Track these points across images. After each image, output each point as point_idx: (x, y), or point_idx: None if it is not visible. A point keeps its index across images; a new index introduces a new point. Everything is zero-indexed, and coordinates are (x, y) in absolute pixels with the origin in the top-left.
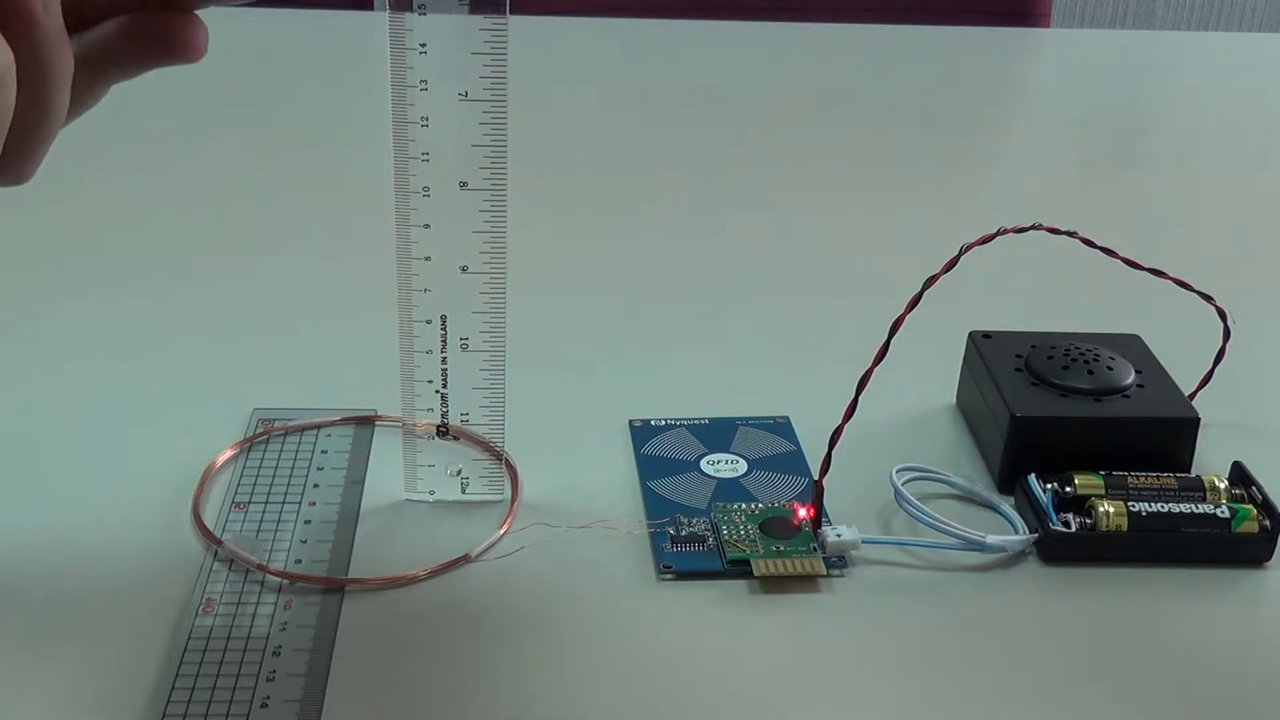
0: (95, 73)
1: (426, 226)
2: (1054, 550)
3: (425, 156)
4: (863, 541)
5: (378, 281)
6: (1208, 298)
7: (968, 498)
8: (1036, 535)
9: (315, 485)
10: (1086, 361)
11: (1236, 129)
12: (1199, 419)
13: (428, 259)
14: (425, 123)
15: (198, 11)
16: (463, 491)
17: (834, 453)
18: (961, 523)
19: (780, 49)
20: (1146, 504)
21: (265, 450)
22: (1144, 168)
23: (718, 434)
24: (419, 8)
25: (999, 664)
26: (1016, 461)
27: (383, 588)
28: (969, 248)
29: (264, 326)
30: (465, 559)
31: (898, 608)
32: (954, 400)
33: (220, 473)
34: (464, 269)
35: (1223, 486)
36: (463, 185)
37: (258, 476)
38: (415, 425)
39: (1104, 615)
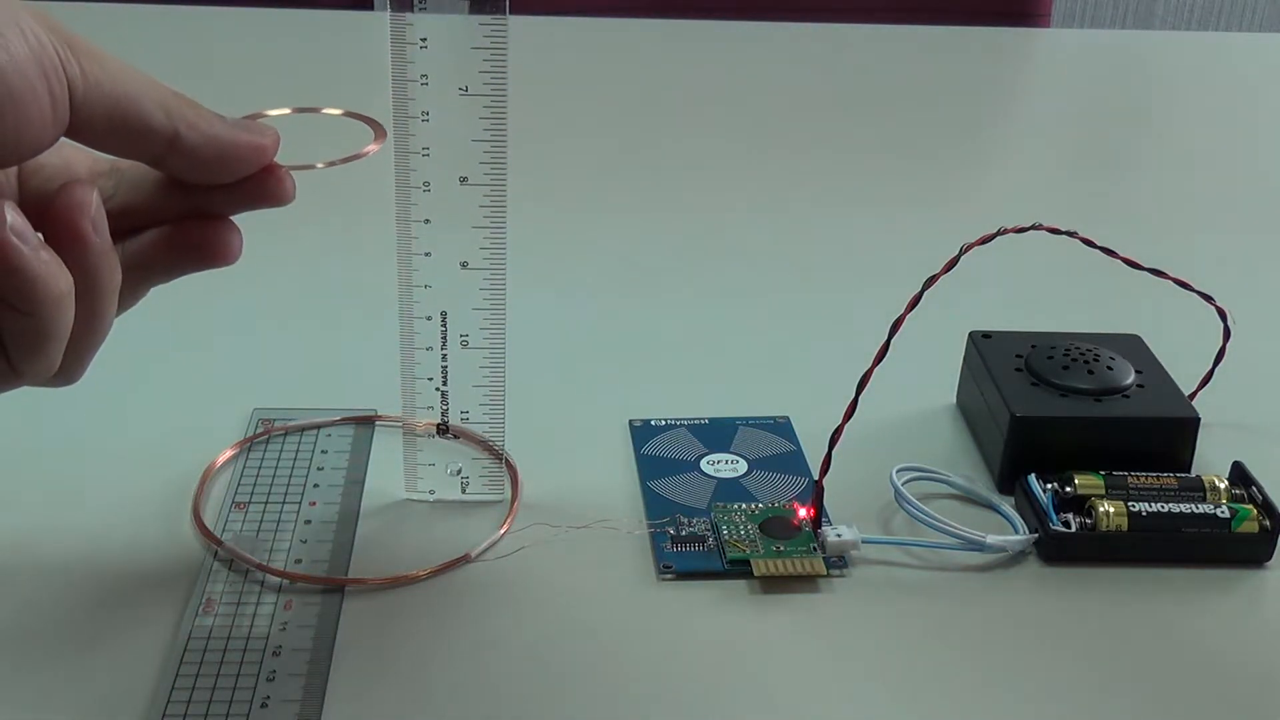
0: (139, 279)
1: (427, 222)
2: (1054, 550)
3: (426, 151)
4: (863, 541)
5: (378, 281)
6: (1208, 298)
7: (968, 498)
8: (1036, 535)
9: (315, 485)
10: (1086, 361)
11: (1236, 129)
12: (1199, 419)
13: (428, 254)
14: (426, 117)
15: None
16: (463, 491)
17: (834, 453)
18: (961, 523)
19: (780, 49)
20: (1146, 504)
21: (265, 450)
22: (1144, 168)
23: (718, 434)
24: (419, 6)
25: (999, 664)
26: (1016, 461)
27: (383, 588)
28: (969, 248)
29: (264, 326)
30: (465, 559)
31: (898, 608)
32: (954, 400)
33: (220, 473)
34: (464, 265)
35: (1223, 486)
36: (463, 180)
37: (258, 476)
38: (415, 424)
39: (1104, 615)
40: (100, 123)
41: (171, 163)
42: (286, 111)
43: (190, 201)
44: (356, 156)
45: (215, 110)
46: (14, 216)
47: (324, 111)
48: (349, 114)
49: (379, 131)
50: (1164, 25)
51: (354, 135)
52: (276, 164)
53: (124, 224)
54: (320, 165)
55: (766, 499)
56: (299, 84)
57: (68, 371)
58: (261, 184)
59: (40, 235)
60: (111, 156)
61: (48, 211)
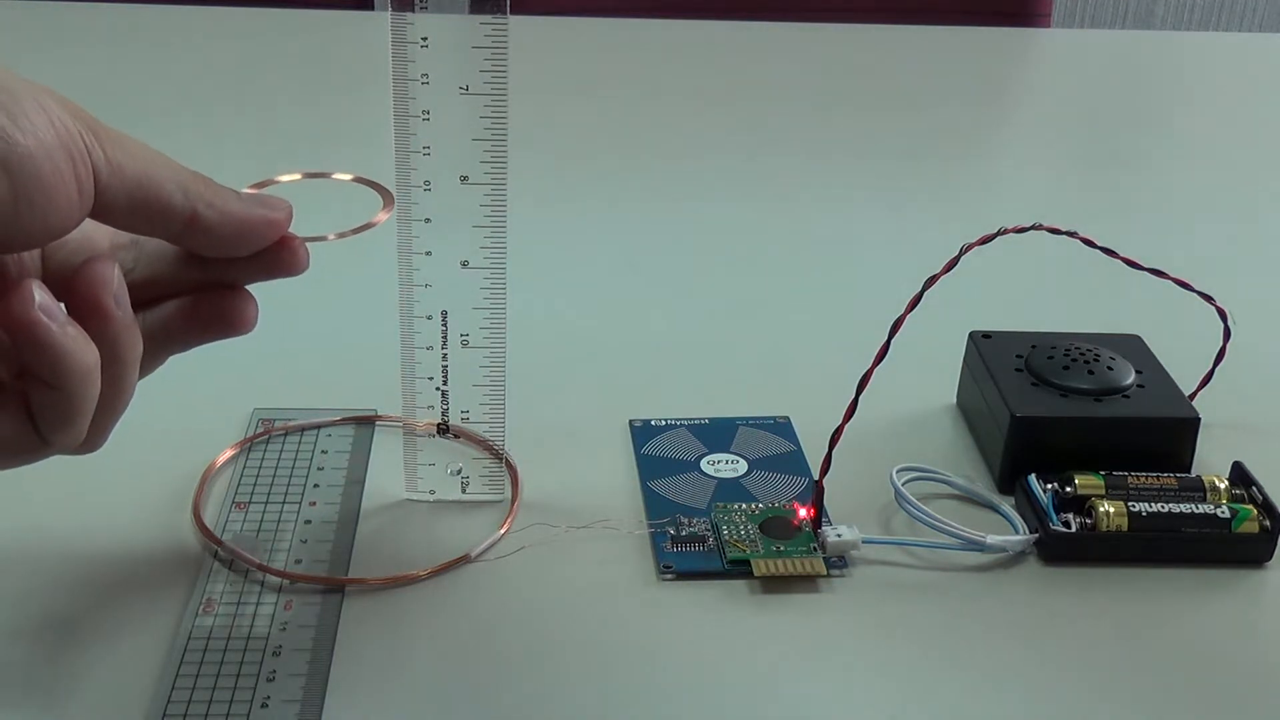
0: (158, 348)
1: (427, 221)
2: (1054, 550)
3: (426, 150)
4: (863, 541)
5: (378, 281)
6: (1208, 298)
7: (968, 498)
8: (1036, 535)
9: (315, 485)
10: (1087, 361)
11: (1236, 129)
12: (1199, 419)
13: (428, 254)
14: (426, 116)
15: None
16: (463, 491)
17: (834, 453)
18: (961, 523)
19: (780, 49)
20: (1147, 504)
21: (265, 450)
22: (1144, 168)
23: (718, 434)
24: (420, 6)
25: (999, 664)
26: (1017, 461)
27: (383, 587)
28: (969, 248)
29: (264, 326)
30: (465, 559)
31: (898, 608)
32: (954, 400)
33: (220, 473)
34: (465, 264)
35: (1223, 486)
36: (464, 179)
37: (258, 476)
38: (415, 424)
39: (1104, 615)
40: (122, 205)
41: (189, 239)
42: (297, 177)
43: (208, 273)
44: (368, 226)
45: (225, 111)
46: (41, 295)
47: (334, 177)
48: (358, 179)
49: (388, 198)
50: (1164, 25)
51: (362, 197)
52: (291, 235)
53: (144, 295)
54: (332, 237)
55: (767, 499)
56: (299, 84)
57: (92, 440)
58: (276, 256)
59: (65, 309)
60: None
61: (71, 287)
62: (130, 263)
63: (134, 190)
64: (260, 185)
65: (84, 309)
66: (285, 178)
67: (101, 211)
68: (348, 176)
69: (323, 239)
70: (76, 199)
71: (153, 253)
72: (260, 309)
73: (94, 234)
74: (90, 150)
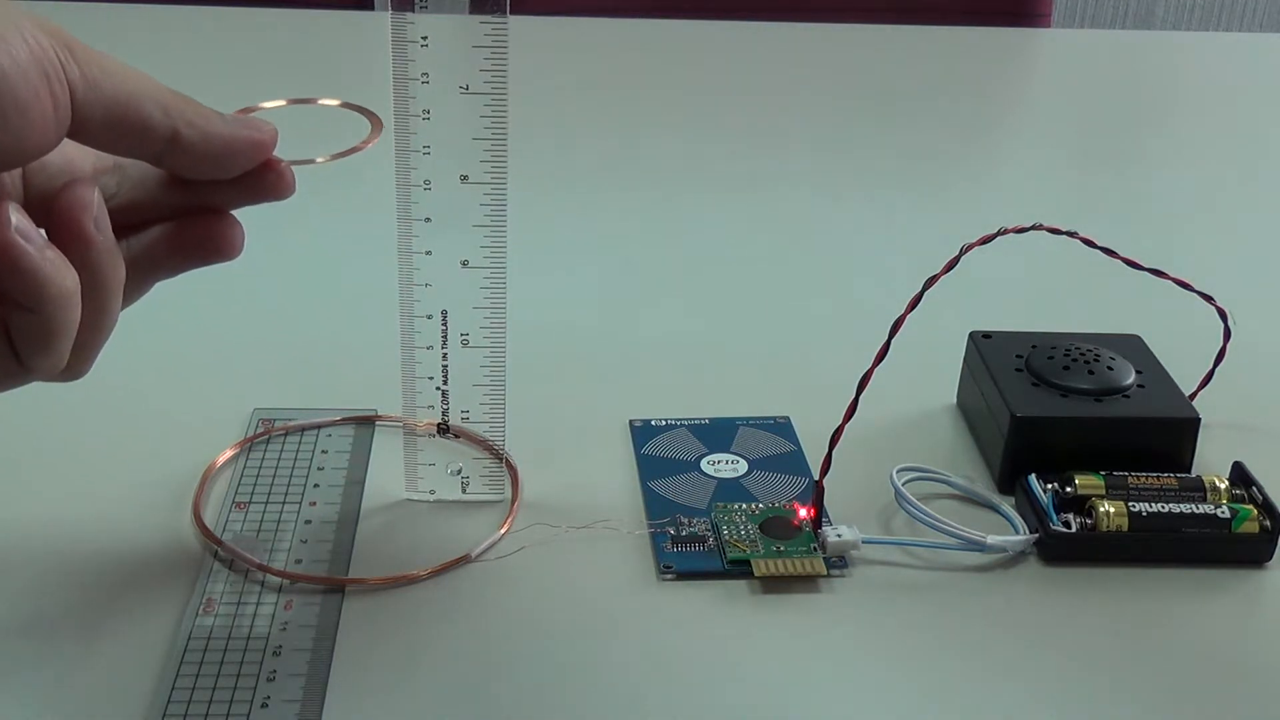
0: (142, 275)
1: (427, 220)
2: (1054, 550)
3: (426, 149)
4: (863, 541)
5: (379, 281)
6: (1208, 298)
7: (968, 498)
8: (1037, 535)
9: (315, 485)
10: (1087, 361)
11: (1236, 129)
12: (1199, 419)
13: (428, 253)
14: (426, 116)
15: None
16: (463, 491)
17: (834, 453)
18: (962, 523)
19: (780, 49)
20: (1147, 504)
21: (265, 450)
22: (1144, 168)
23: (718, 434)
24: (420, 6)
25: (999, 664)
26: (1017, 461)
27: (383, 587)
28: (969, 248)
29: (264, 326)
30: (465, 559)
31: (898, 608)
32: (954, 400)
33: (220, 473)
34: (465, 263)
35: (1223, 487)
36: (464, 179)
37: (258, 476)
38: (415, 424)
39: (1104, 615)
40: (100, 123)
41: (172, 160)
42: (282, 103)
43: (192, 197)
44: (356, 150)
45: (214, 108)
46: (18, 218)
47: (320, 102)
48: (346, 105)
49: (376, 123)
50: (1164, 25)
51: (352, 126)
52: (276, 158)
53: (127, 220)
54: (320, 160)
55: (767, 499)
56: (299, 84)
57: (75, 367)
58: (261, 178)
59: (45, 233)
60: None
61: (51, 211)
62: (113, 187)
63: (112, 107)
64: (246, 111)
65: (64, 233)
66: (270, 104)
67: (79, 131)
68: (335, 102)
69: (310, 162)
70: (52, 116)
71: (136, 176)
72: (260, 309)
73: (75, 157)
74: (65, 66)
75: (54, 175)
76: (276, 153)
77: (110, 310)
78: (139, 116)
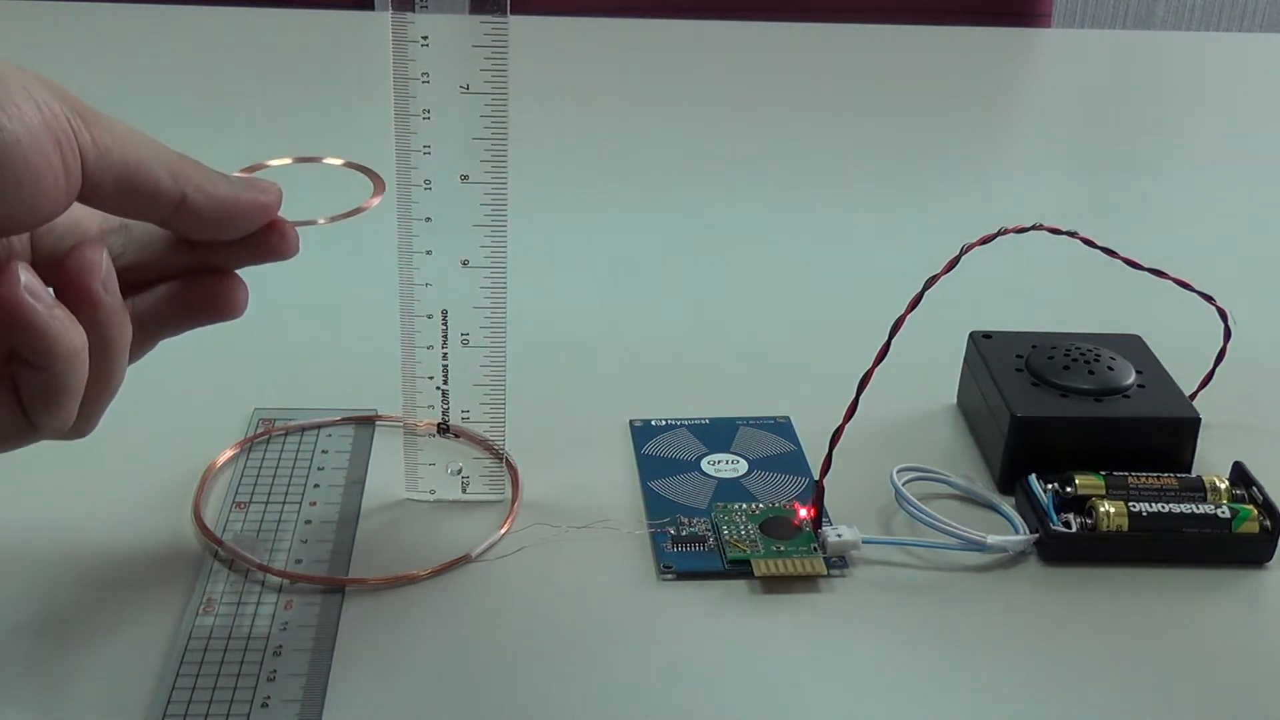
0: (148, 333)
1: (428, 220)
2: (1054, 550)
3: (427, 149)
4: (863, 541)
5: (379, 281)
6: (1208, 298)
7: (968, 498)
8: (1037, 535)
9: (315, 485)
10: (1087, 361)
11: (1236, 129)
12: (1199, 419)
13: (429, 253)
14: (427, 115)
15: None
16: (463, 491)
17: (834, 453)
18: (962, 523)
19: (780, 49)
20: (1147, 504)
21: (266, 450)
22: (1144, 168)
23: (718, 434)
24: (420, 6)
25: (999, 664)
26: (1017, 461)
27: (383, 587)
28: (969, 248)
29: (264, 326)
30: (465, 559)
31: (898, 608)
32: (954, 400)
33: (221, 473)
34: (465, 263)
35: (1223, 487)
36: (464, 178)
37: (258, 476)
38: (416, 424)
39: (1104, 615)
40: (110, 188)
41: (178, 223)
42: (288, 161)
43: (197, 257)
44: (357, 211)
45: (226, 110)
46: (27, 277)
47: (325, 162)
48: (349, 164)
49: (378, 184)
50: (1164, 25)
51: (354, 183)
52: (280, 219)
53: (133, 279)
54: (322, 221)
55: (767, 499)
56: (300, 84)
57: (81, 426)
58: (265, 239)
59: (53, 293)
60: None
61: (60, 272)
62: (119, 247)
63: (122, 173)
64: (251, 170)
65: (72, 294)
66: (275, 162)
67: (89, 195)
68: (338, 161)
69: (313, 223)
70: (64, 183)
71: (142, 237)
72: (260, 309)
73: (83, 218)
74: (77, 133)
75: (62, 235)
76: (280, 212)
77: (117, 368)
78: (148, 181)
